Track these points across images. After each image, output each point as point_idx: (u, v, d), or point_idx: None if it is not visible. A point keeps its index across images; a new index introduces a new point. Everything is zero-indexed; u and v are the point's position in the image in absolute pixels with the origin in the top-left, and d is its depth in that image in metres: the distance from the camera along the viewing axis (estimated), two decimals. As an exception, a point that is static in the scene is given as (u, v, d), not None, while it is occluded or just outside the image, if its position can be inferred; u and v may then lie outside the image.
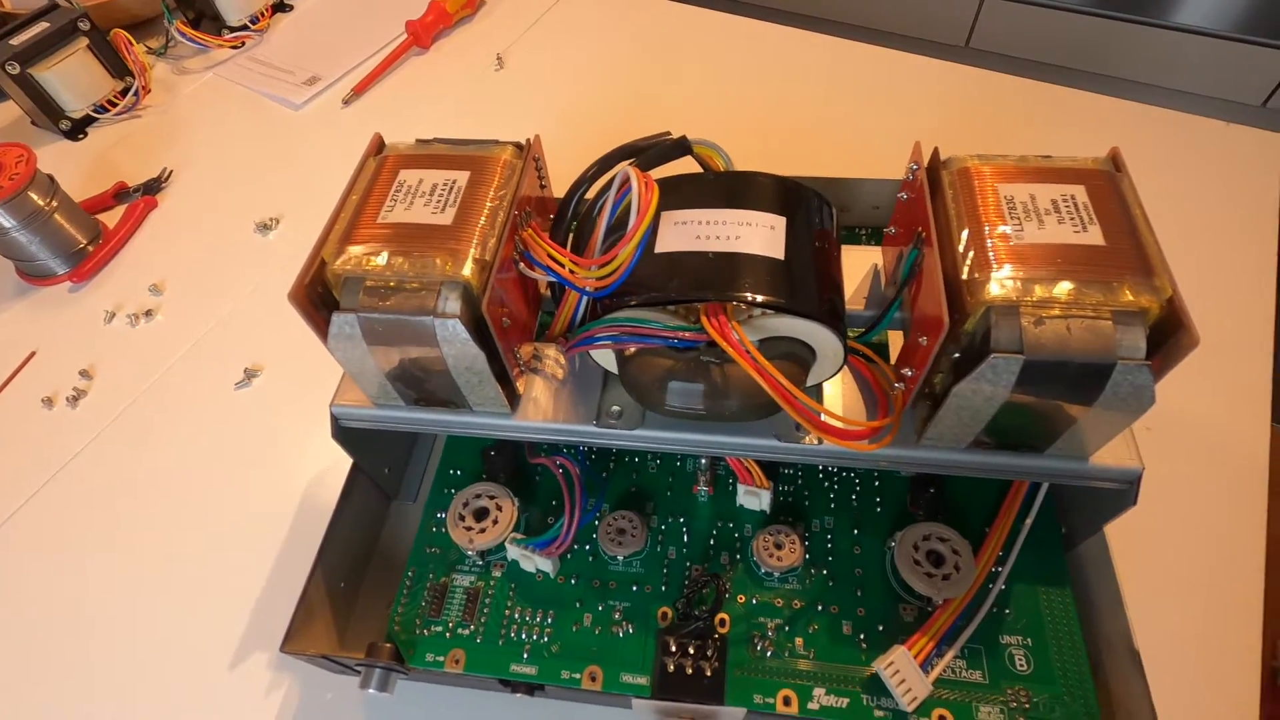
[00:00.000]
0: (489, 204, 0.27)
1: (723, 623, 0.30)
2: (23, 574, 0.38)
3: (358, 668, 0.30)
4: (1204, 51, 1.22)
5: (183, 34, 0.65)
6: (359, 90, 0.61)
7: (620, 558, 0.31)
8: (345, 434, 0.31)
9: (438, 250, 0.25)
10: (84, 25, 0.58)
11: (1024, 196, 0.25)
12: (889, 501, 0.33)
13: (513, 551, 0.31)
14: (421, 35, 0.64)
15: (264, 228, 0.52)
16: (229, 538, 0.38)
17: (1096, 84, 0.59)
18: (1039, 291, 0.22)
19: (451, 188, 0.27)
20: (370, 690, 0.29)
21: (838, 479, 0.33)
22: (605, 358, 0.28)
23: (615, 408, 0.28)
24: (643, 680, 0.28)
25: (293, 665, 0.34)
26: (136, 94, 0.61)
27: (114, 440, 0.43)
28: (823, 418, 0.24)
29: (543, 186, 0.32)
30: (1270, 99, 1.23)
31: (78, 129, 0.61)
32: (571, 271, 0.26)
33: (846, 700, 0.28)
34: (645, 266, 0.25)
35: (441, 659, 0.29)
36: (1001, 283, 0.23)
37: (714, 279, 0.24)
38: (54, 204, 0.49)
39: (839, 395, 0.28)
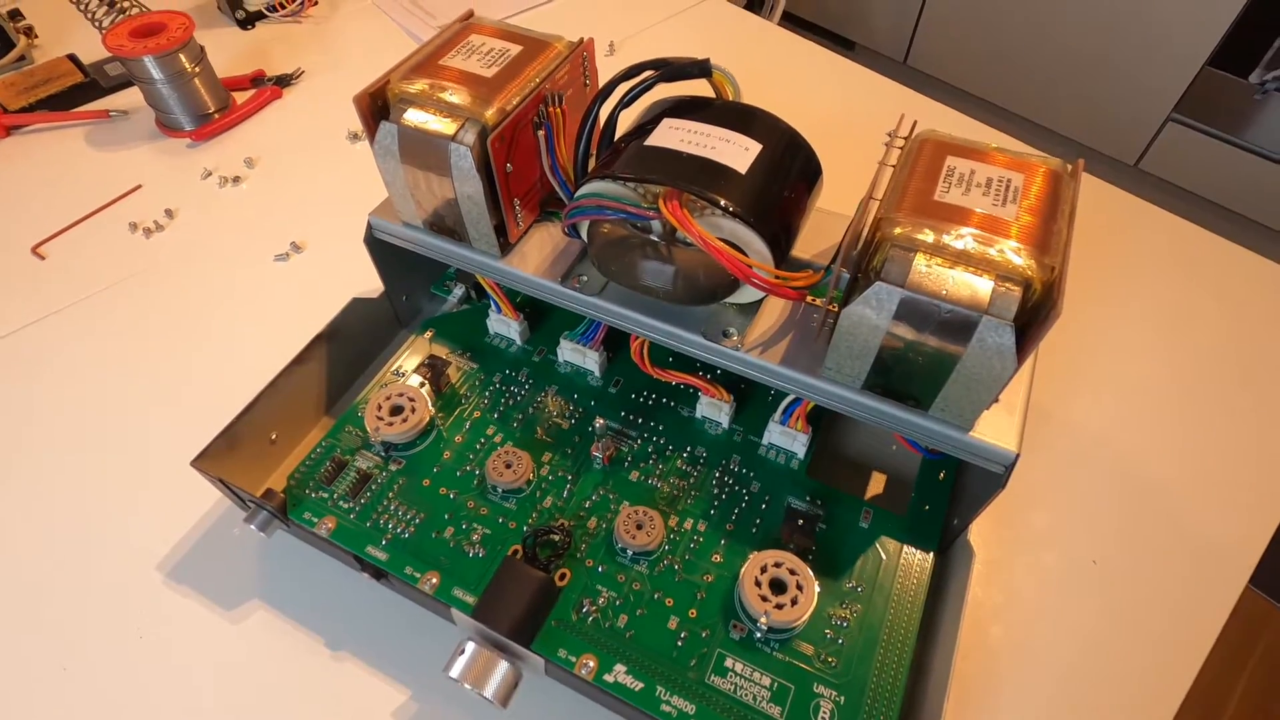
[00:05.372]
0: (527, 73, 0.32)
1: (563, 577, 0.31)
2: (46, 366, 0.45)
3: (250, 503, 0.33)
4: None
5: (358, -37, 0.73)
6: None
7: (500, 489, 0.33)
8: (374, 243, 0.37)
9: (473, 93, 0.30)
10: (278, -66, 0.67)
11: (965, 170, 0.27)
12: (766, 527, 0.32)
13: (566, 347, 0.38)
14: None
15: (355, 137, 0.58)
16: (226, 381, 0.43)
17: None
18: (934, 238, 0.25)
19: (504, 54, 0.32)
20: (251, 526, 0.33)
21: (728, 491, 0.34)
22: (586, 235, 0.32)
23: (583, 276, 0.33)
24: (470, 600, 0.30)
25: (217, 500, 0.38)
26: (303, 3, 0.70)
27: (164, 268, 0.49)
28: (757, 271, 0.27)
29: (586, 85, 0.36)
30: None
31: (249, 20, 0.70)
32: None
33: (641, 685, 0.28)
34: (631, 154, 0.29)
35: (315, 521, 0.32)
36: (904, 224, 0.25)
37: (677, 172, 0.28)
38: (197, 70, 0.57)
39: (771, 313, 0.32)
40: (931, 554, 0.32)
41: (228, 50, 0.67)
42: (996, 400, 0.28)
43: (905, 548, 0.32)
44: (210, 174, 0.56)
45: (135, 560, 0.36)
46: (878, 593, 0.30)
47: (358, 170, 0.56)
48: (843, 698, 0.28)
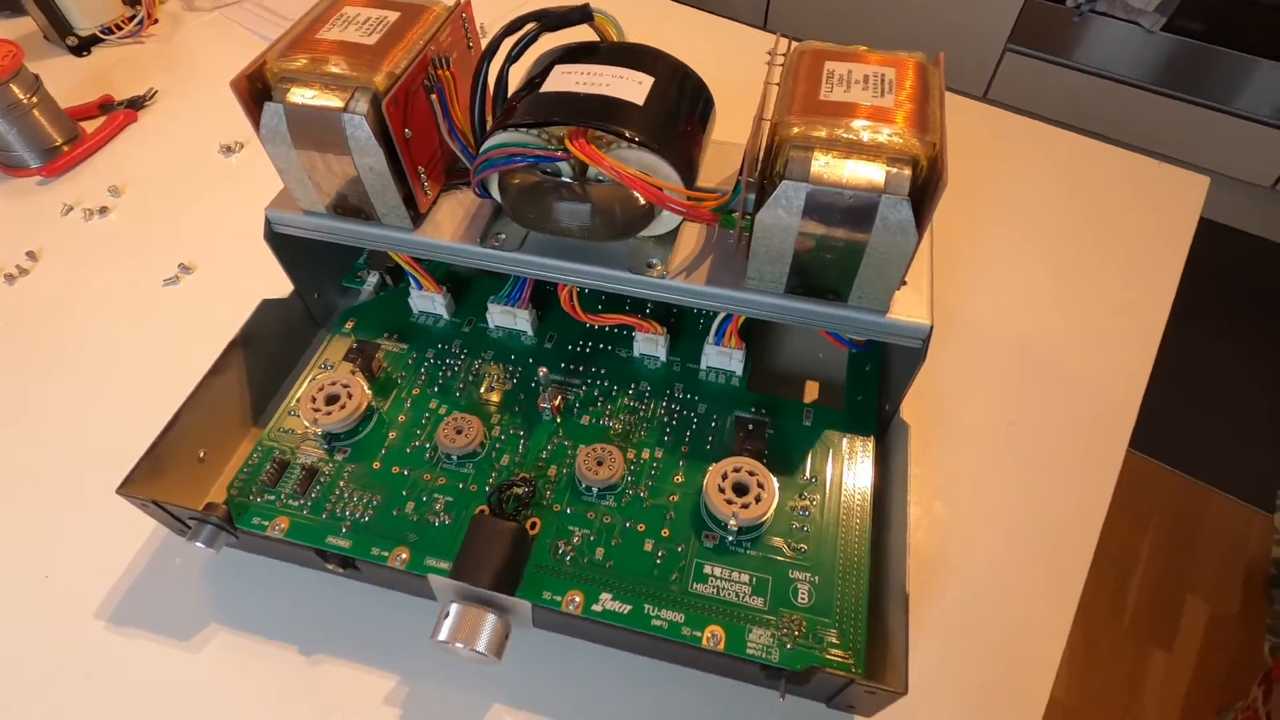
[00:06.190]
0: (409, 37, 0.31)
1: (534, 525, 0.31)
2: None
3: (189, 521, 0.31)
4: (1218, 129, 1.23)
5: (196, -26, 0.69)
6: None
7: (455, 456, 0.33)
8: (275, 239, 0.35)
9: (357, 61, 0.30)
10: (101, -50, 0.62)
11: (843, 71, 0.29)
12: (718, 443, 0.34)
13: (494, 312, 0.37)
14: None
15: (228, 150, 0.55)
16: (134, 412, 0.40)
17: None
18: (827, 134, 0.26)
19: (381, 21, 0.32)
20: (198, 544, 0.31)
21: (677, 417, 0.35)
22: (497, 191, 0.31)
23: (501, 234, 0.33)
24: (445, 566, 0.30)
25: (151, 531, 0.35)
26: (141, 22, 0.66)
27: (39, 312, 0.45)
28: (671, 194, 0.29)
29: (470, 47, 0.36)
30: (1280, 182, 1.23)
31: (83, 46, 0.65)
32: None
33: (629, 607, 0.29)
34: (529, 103, 0.30)
35: (266, 524, 0.31)
36: (798, 125, 0.27)
37: (578, 111, 0.29)
38: (34, 100, 0.52)
39: (689, 240, 0.33)
40: (871, 438, 0.34)
41: (66, 79, 0.62)
42: (905, 282, 0.31)
43: (847, 436, 0.34)
44: (71, 209, 0.51)
45: (70, 614, 0.33)
46: (831, 481, 0.32)
47: (237, 184, 0.53)
48: (817, 578, 0.30)
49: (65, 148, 0.55)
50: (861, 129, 0.27)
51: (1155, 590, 0.95)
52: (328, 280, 0.41)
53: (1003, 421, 0.39)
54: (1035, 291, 0.46)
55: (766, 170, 0.29)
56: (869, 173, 0.26)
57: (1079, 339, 0.43)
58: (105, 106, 0.59)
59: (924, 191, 0.27)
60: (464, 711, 0.31)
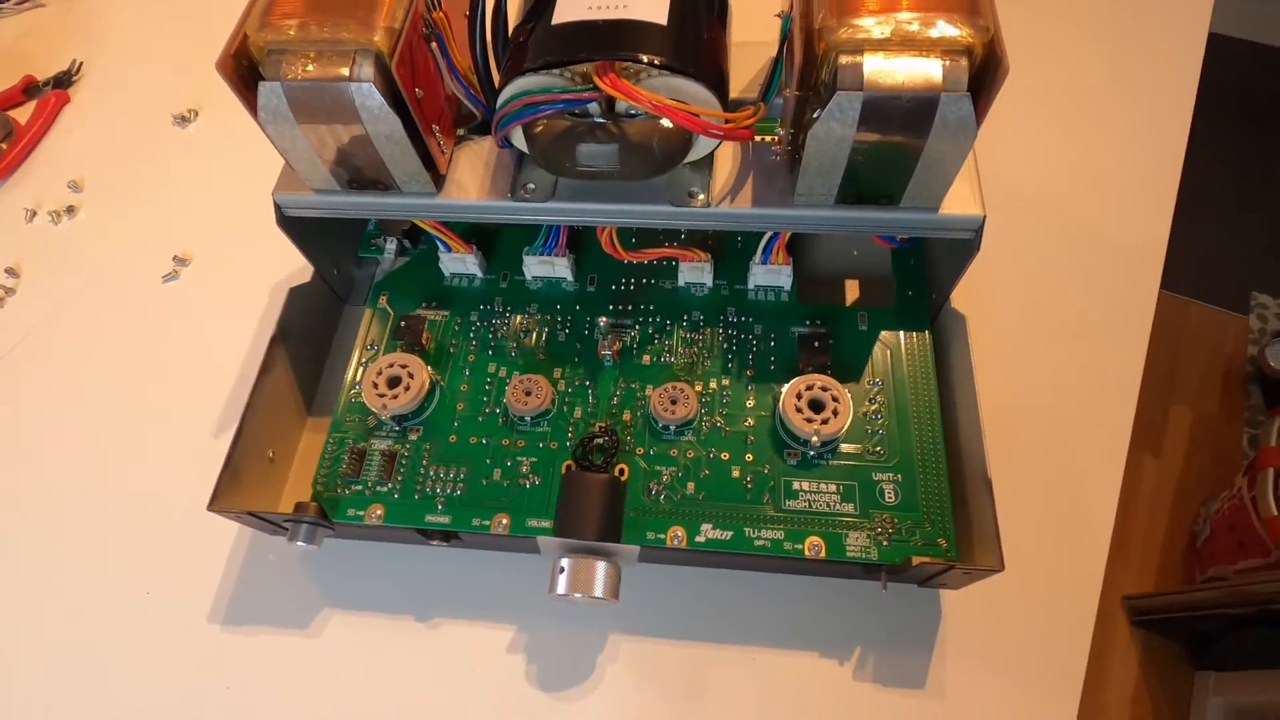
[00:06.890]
0: None
1: (622, 472, 0.32)
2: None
3: (285, 524, 0.32)
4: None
5: (79, -88, 0.60)
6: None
7: (528, 418, 0.33)
8: (290, 223, 0.33)
9: (350, 20, 0.27)
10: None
11: None
12: (781, 361, 0.34)
13: (531, 263, 0.36)
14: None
15: (182, 120, 0.51)
16: (179, 418, 0.39)
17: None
18: (877, 33, 0.25)
19: None
20: (299, 543, 0.32)
21: (736, 342, 0.35)
22: (520, 140, 0.30)
23: (530, 184, 0.31)
24: (546, 524, 0.31)
25: (237, 532, 0.36)
26: (36, -19, 0.58)
27: (45, 336, 0.43)
28: (712, 120, 0.27)
29: None
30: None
31: (-22, 21, 0.58)
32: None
33: (730, 533, 0.30)
34: (542, 39, 0.27)
35: (361, 514, 0.32)
36: (844, 28, 0.25)
37: (600, 42, 0.26)
38: (-45, 98, 0.47)
39: (726, 161, 0.32)
40: (926, 333, 0.35)
41: (-29, 64, 0.55)
42: (953, 174, 0.30)
43: (902, 333, 0.35)
44: (35, 213, 0.48)
45: (184, 623, 0.34)
46: (895, 379, 0.33)
47: (203, 156, 0.50)
48: (899, 475, 0.31)
49: (3, 145, 0.50)
50: (907, 22, 0.25)
51: (1142, 401, 1.01)
52: (343, 253, 0.39)
53: (1040, 288, 0.40)
54: (1050, 141, 0.45)
55: (808, 78, 0.28)
56: (925, 70, 0.25)
57: (1100, 187, 0.43)
58: (30, 90, 0.53)
59: (980, 81, 0.26)
60: (582, 648, 0.33)
